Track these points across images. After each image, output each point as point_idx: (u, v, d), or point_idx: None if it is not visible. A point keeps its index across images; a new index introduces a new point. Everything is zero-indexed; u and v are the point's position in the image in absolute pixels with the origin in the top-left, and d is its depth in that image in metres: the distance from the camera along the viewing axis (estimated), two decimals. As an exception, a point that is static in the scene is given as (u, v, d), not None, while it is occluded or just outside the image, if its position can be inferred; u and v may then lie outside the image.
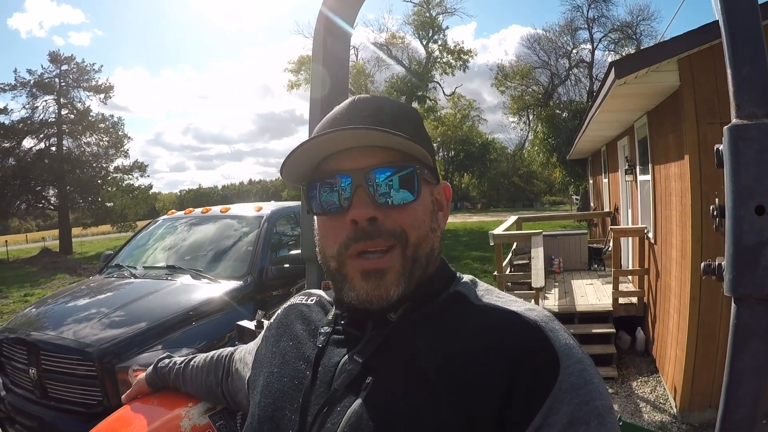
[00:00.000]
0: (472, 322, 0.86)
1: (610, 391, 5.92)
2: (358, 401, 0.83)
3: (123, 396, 1.54)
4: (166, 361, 1.51)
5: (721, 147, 0.88)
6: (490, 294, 0.93)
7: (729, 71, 0.87)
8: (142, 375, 1.55)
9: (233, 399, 1.34)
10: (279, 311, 1.18)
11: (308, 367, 0.95)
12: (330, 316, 1.01)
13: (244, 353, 1.29)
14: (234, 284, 4.97)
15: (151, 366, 1.53)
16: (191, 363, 1.45)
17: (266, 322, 1.25)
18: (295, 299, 1.17)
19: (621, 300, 7.48)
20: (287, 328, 1.09)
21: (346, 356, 0.91)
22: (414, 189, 0.89)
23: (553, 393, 0.74)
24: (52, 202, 34.28)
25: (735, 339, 0.83)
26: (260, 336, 1.20)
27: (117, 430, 1.38)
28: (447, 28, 35.17)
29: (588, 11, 32.61)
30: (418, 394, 0.80)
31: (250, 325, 1.90)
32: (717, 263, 0.90)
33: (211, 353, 1.44)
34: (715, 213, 0.93)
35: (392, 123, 0.89)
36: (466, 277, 1.00)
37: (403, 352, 0.87)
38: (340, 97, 1.75)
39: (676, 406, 5.34)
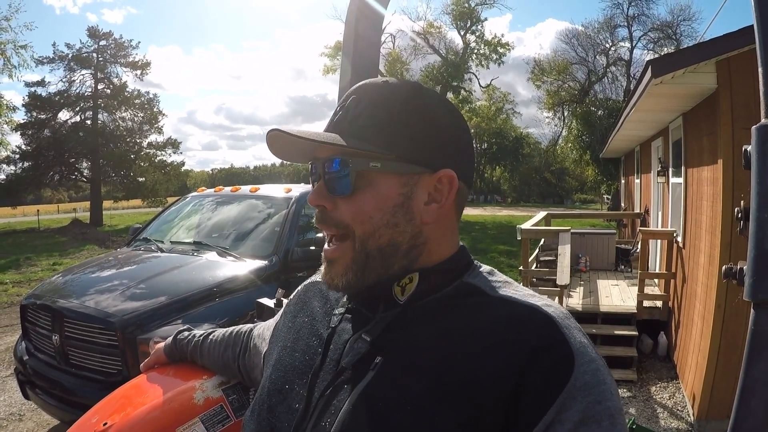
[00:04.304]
0: (486, 314, 0.85)
1: (628, 394, 5.88)
2: (366, 380, 0.83)
3: (141, 364, 1.57)
4: (186, 333, 1.53)
5: (749, 148, 0.86)
6: (507, 286, 0.92)
7: (761, 70, 0.84)
8: (161, 345, 1.57)
9: (249, 375, 1.35)
10: (299, 287, 1.20)
11: (320, 344, 0.96)
12: (346, 297, 1.01)
13: (263, 329, 1.30)
14: (259, 263, 4.99)
15: (170, 337, 1.55)
16: (210, 337, 1.47)
17: (285, 300, 1.26)
18: (316, 277, 1.17)
19: (645, 303, 7.38)
20: (305, 304, 1.11)
21: (356, 335, 0.92)
22: (350, 183, 0.89)
23: (567, 390, 0.73)
24: (85, 174, 34.82)
25: (751, 346, 0.81)
26: (280, 312, 1.21)
27: (131, 397, 1.40)
28: (485, 19, 34.63)
29: (628, 9, 32.13)
30: (426, 379, 0.80)
31: (269, 302, 1.92)
32: (738, 267, 0.87)
33: (231, 329, 1.46)
34: (739, 215, 0.90)
35: (358, 123, 0.91)
36: (485, 268, 0.98)
37: (414, 335, 0.87)
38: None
39: (693, 415, 5.27)
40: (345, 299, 1.01)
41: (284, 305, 1.20)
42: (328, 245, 0.94)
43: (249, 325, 1.43)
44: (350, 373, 0.87)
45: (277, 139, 0.92)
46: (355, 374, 0.86)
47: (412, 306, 0.91)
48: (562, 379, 0.74)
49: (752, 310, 0.81)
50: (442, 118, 0.95)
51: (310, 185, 0.99)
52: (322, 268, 0.96)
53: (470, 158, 1.00)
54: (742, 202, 0.92)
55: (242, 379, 1.41)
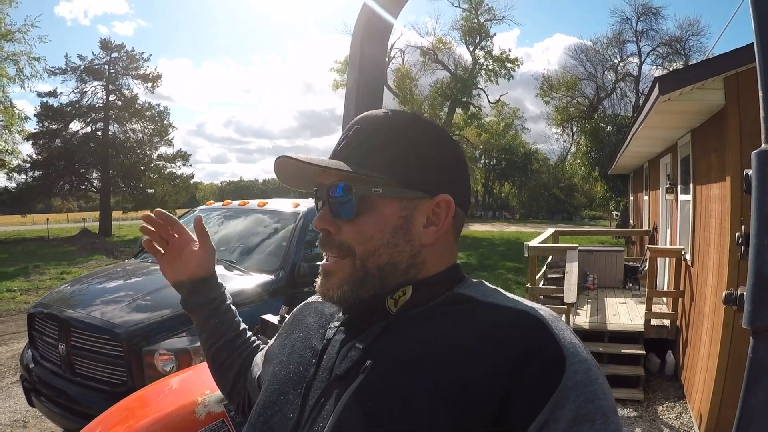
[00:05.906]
0: (476, 318, 0.88)
1: (634, 413, 5.83)
2: (356, 383, 0.86)
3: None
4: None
5: (750, 172, 0.86)
6: (496, 293, 0.95)
7: (761, 95, 0.85)
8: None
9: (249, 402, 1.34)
10: (296, 309, 1.23)
11: (314, 356, 0.99)
12: (341, 312, 1.04)
13: (257, 357, 1.32)
14: (266, 278, 4.98)
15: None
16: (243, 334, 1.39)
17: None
18: (312, 298, 1.20)
19: (653, 321, 7.33)
20: (300, 322, 1.15)
21: (349, 344, 0.95)
22: (353, 207, 0.94)
23: (560, 389, 0.75)
24: (94, 184, 35.14)
25: (749, 375, 0.80)
26: (276, 335, 1.23)
27: (134, 409, 1.41)
28: (494, 35, 34.73)
29: (637, 24, 32.17)
30: (416, 381, 0.81)
31: (273, 319, 1.93)
32: (739, 293, 0.87)
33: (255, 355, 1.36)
34: (740, 240, 0.90)
35: (360, 151, 0.96)
36: (473, 280, 1.02)
37: (405, 339, 0.90)
38: (376, 97, 1.76)
39: (701, 434, 5.22)
40: (341, 314, 1.04)
41: (281, 327, 1.22)
42: (327, 260, 0.99)
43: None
44: (343, 379, 0.90)
45: (284, 166, 0.98)
46: (347, 380, 0.88)
47: (404, 315, 0.94)
48: (555, 379, 0.76)
49: (751, 338, 0.81)
50: (439, 146, 1.00)
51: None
52: (318, 280, 1.00)
53: (466, 184, 1.05)
54: (743, 227, 0.92)
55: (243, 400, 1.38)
